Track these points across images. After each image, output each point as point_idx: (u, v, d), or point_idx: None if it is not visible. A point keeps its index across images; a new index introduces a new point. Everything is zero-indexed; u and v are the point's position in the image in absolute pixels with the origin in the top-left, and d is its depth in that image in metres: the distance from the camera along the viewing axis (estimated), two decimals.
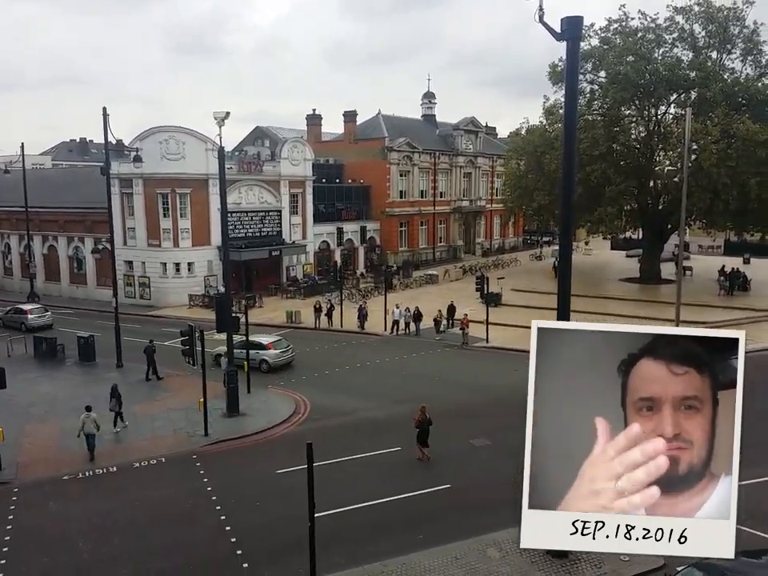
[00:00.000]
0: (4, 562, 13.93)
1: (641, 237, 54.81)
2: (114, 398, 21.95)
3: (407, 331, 35.44)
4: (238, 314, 26.74)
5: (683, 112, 40.01)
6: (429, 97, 69.18)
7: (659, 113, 46.85)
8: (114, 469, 18.85)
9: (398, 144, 58.59)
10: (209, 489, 17.36)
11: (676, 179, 42.21)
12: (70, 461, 19.39)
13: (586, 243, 68.28)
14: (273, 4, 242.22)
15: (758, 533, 14.82)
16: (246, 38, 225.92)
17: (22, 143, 46.76)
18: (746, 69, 45.64)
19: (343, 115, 61.10)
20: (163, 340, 30.57)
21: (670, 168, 46.56)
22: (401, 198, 60.34)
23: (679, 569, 12.58)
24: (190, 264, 44.80)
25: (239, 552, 14.25)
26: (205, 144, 43.88)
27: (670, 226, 47.08)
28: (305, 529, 10.98)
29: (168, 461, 19.39)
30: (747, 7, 43.82)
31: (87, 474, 18.50)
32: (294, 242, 50.43)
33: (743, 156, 39.16)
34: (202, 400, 21.23)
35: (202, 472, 18.51)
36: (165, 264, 44.55)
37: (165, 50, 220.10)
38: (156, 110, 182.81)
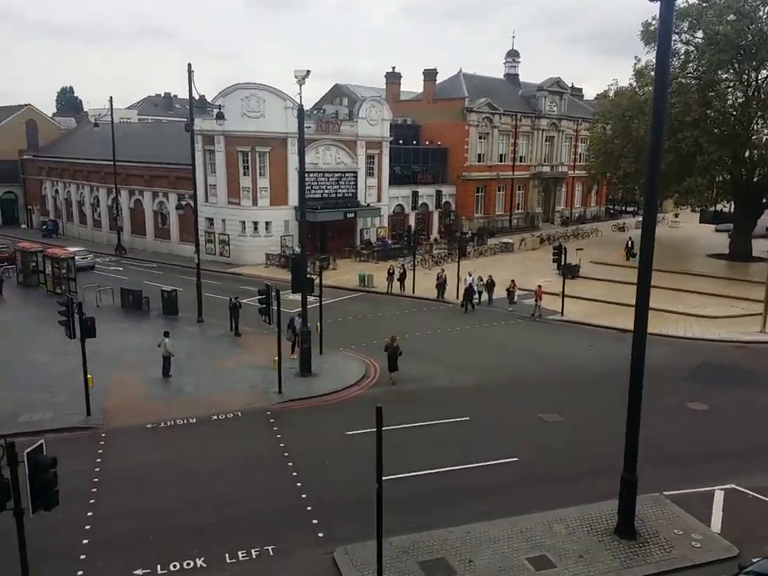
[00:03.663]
0: (93, 501, 14.95)
1: (732, 210, 51.91)
2: (290, 329, 25.01)
3: (479, 300, 35.11)
4: (312, 276, 27.15)
5: None
6: (512, 55, 67.05)
7: (760, 77, 43.71)
8: (194, 420, 19.75)
9: (478, 105, 57.26)
10: (281, 445, 17.97)
11: None
12: (153, 410, 20.46)
13: (676, 215, 65.32)
14: None
15: None
16: None
17: (111, 97, 48.51)
18: None
19: (423, 73, 60.07)
20: (241, 298, 31.41)
21: None
22: (479, 161, 59.21)
23: (754, 560, 12.22)
24: (267, 223, 45.71)
25: (309, 508, 14.74)
26: (285, 102, 44.19)
27: (765, 200, 44.47)
28: (373, 490, 11.23)
29: (244, 415, 20.15)
30: None
31: (169, 424, 19.47)
32: (368, 205, 50.52)
33: None
34: (276, 359, 21.84)
35: (275, 428, 19.16)
36: (244, 222, 45.62)
37: (247, 3, 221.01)
38: (237, 65, 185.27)
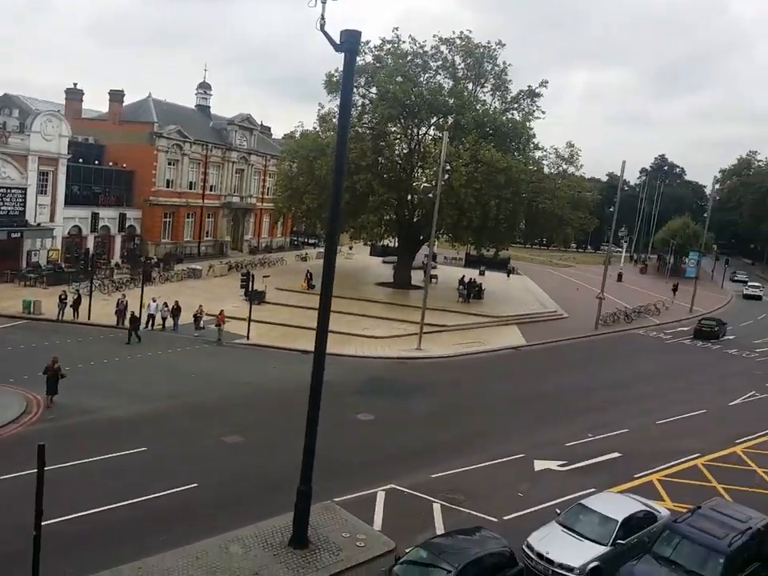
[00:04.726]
0: None
1: (397, 245, 58.56)
2: None
3: (163, 326, 33.90)
4: None
5: (441, 135, 43.85)
6: (204, 87, 67.15)
7: (420, 133, 50.63)
8: None
9: (167, 131, 55.76)
10: None
11: (430, 195, 45.95)
12: None
13: (350, 248, 71.35)
14: None
15: (474, 512, 16.84)
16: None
17: None
18: (494, 102, 51.64)
19: (109, 94, 56.69)
20: None
21: (425, 185, 50.60)
22: (167, 187, 57.44)
23: (407, 550, 13.81)
24: None
25: None
26: None
27: (421, 237, 51.11)
28: (29, 540, 10.05)
29: None
30: (499, 48, 49.94)
31: None
32: (38, 225, 45.35)
33: (486, 180, 43.74)
34: None
35: None
36: None
37: None
38: None
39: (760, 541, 14.07)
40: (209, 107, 67.58)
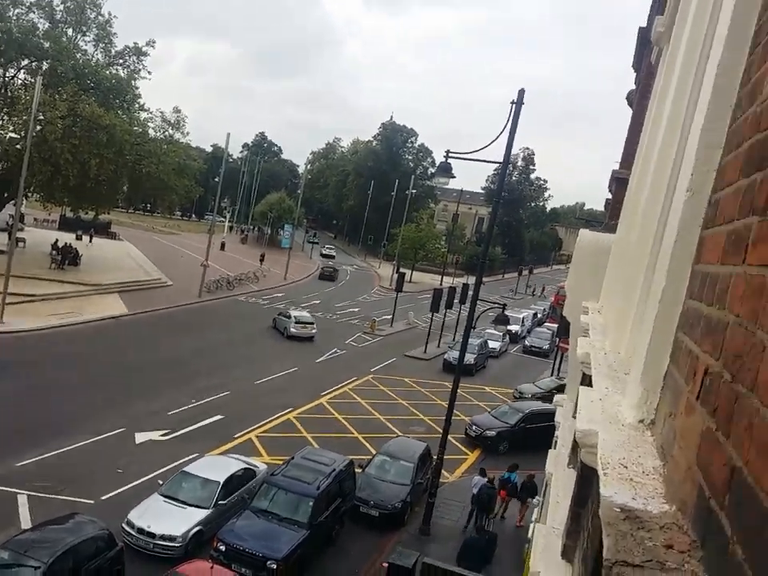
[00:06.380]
0: None
1: None
2: None
3: None
4: None
5: (33, 80, 38.47)
6: None
7: (8, 75, 44.25)
8: None
9: None
10: None
11: (18, 146, 40.27)
12: None
13: None
14: None
15: (68, 497, 15.61)
16: None
17: None
18: (97, 54, 47.86)
19: None
20: None
21: (12, 135, 44.08)
22: None
23: None
24: None
25: None
26: None
27: (6, 195, 44.70)
28: None
29: None
30: None
31: None
32: None
33: (86, 136, 40.26)
34: None
35: None
36: None
37: None
38: None
39: (341, 480, 16.28)
40: None
